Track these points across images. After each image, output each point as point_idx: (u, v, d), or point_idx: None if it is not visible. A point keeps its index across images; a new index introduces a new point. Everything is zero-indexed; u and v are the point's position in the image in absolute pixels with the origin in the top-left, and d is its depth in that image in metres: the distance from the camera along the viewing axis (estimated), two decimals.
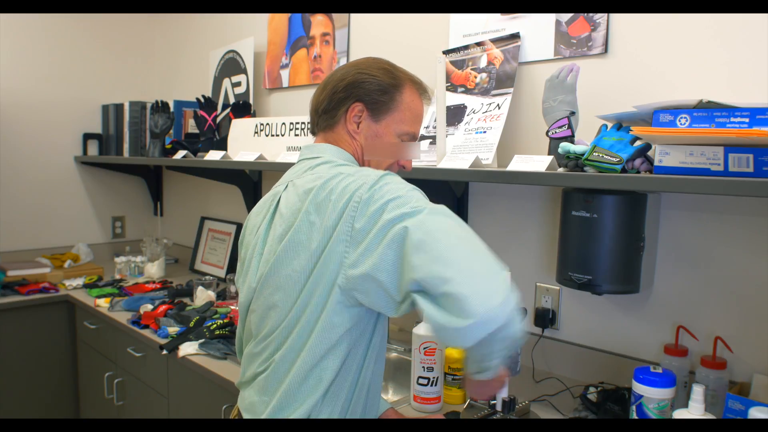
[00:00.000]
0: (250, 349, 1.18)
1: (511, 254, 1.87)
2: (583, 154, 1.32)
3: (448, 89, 1.84)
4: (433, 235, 0.93)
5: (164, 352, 1.95)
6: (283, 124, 2.24)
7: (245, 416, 1.16)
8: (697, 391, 1.12)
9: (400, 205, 0.98)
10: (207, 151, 2.54)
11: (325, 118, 1.21)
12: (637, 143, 1.27)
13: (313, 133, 1.27)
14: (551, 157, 1.39)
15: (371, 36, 2.24)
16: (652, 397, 1.25)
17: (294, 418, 1.07)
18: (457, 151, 1.71)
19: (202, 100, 2.65)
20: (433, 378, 1.49)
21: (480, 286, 0.90)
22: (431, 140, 1.79)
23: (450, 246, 0.93)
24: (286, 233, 1.09)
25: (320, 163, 1.17)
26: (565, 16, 1.66)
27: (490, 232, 1.92)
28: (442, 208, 0.99)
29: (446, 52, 1.90)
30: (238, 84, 2.82)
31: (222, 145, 2.57)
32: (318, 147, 1.21)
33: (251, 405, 1.15)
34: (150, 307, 2.30)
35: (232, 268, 2.86)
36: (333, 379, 1.07)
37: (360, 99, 1.18)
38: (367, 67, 1.20)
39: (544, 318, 1.76)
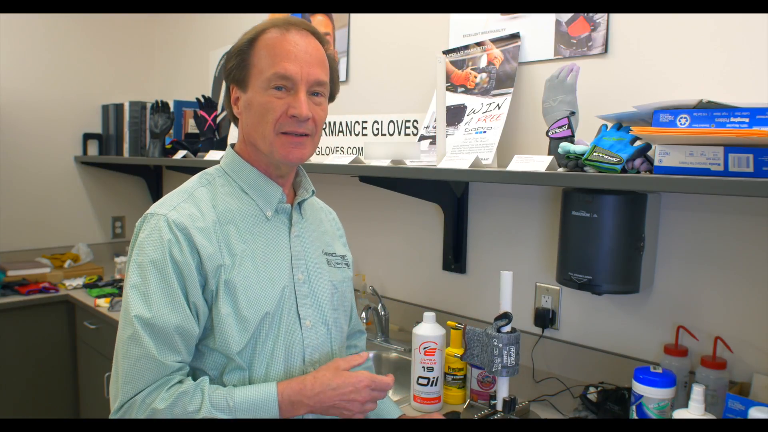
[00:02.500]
0: None
1: (511, 254, 1.87)
2: (583, 154, 1.32)
3: (448, 89, 1.84)
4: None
5: None
6: None
7: None
8: (697, 391, 1.12)
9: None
10: (207, 151, 2.54)
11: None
12: (637, 143, 1.27)
13: None
14: (551, 157, 1.39)
15: (371, 36, 2.24)
16: (652, 397, 1.25)
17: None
18: (457, 151, 1.70)
19: (202, 100, 2.65)
20: (433, 378, 1.49)
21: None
22: (431, 140, 1.79)
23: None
24: None
25: (201, 172, 1.15)
26: (565, 16, 1.66)
27: (490, 231, 1.92)
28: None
29: (446, 52, 1.90)
30: None
31: (222, 145, 2.57)
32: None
33: None
34: None
35: None
36: None
37: (227, 80, 1.10)
38: None
39: (544, 318, 1.76)
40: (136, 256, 1.01)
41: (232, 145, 1.16)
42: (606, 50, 1.60)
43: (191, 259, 1.00)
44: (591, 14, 1.61)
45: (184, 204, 1.04)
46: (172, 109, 2.88)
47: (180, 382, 1.00)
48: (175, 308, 0.99)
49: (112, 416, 0.99)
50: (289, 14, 1.08)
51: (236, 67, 1.07)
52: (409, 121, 1.90)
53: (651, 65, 1.52)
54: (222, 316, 1.01)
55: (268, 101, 1.04)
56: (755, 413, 1.08)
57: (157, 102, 2.86)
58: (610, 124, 1.37)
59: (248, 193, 1.11)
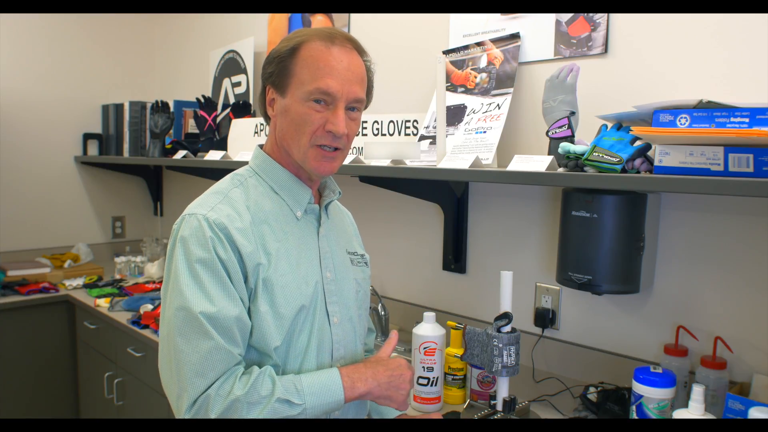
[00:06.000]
0: None
1: (511, 254, 1.87)
2: (583, 154, 1.32)
3: (448, 89, 1.84)
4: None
5: None
6: None
7: None
8: (697, 391, 1.12)
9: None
10: (207, 151, 2.54)
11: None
12: (637, 143, 1.27)
13: None
14: (551, 157, 1.39)
15: (371, 36, 2.24)
16: (652, 397, 1.25)
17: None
18: (457, 151, 1.70)
19: (202, 100, 2.65)
20: (433, 378, 1.49)
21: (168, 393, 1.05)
22: (431, 140, 1.79)
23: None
24: None
25: (232, 173, 1.16)
26: (565, 16, 1.66)
27: (490, 232, 1.92)
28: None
29: (446, 52, 1.90)
30: (238, 84, 2.82)
31: (222, 145, 2.57)
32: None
33: None
34: (150, 307, 2.30)
35: None
36: None
37: (265, 81, 1.12)
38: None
39: (544, 318, 1.76)
40: (182, 255, 1.02)
41: (260, 146, 1.18)
42: (606, 50, 1.60)
43: (234, 256, 1.02)
44: (591, 14, 1.61)
45: (221, 205, 1.06)
46: (172, 109, 2.88)
47: (246, 372, 1.02)
48: (233, 301, 1.01)
49: (185, 413, 0.99)
50: (332, 26, 1.09)
51: (276, 72, 1.08)
52: (409, 121, 1.90)
53: (651, 65, 1.52)
54: (261, 313, 1.04)
55: (307, 113, 1.06)
56: (755, 413, 1.08)
57: (157, 102, 2.86)
58: (610, 124, 1.37)
59: (279, 194, 1.13)
